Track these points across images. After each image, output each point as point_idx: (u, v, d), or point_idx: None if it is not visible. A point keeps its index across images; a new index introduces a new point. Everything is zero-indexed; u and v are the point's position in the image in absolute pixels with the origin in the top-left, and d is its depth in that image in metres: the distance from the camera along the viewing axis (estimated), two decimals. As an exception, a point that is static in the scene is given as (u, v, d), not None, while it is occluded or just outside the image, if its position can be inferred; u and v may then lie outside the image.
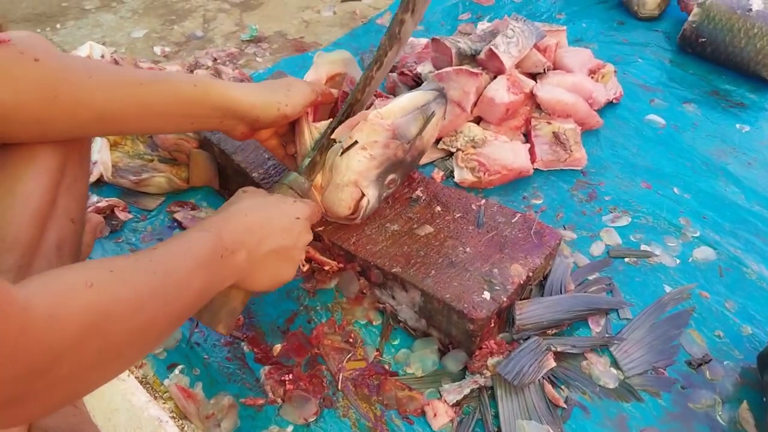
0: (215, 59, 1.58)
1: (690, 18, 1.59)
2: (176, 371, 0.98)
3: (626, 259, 1.14)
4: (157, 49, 1.67)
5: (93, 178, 1.24)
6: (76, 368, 0.49)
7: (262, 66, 1.60)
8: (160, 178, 1.21)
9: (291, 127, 0.98)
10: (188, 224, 1.17)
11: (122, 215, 1.19)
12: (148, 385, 0.97)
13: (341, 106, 0.98)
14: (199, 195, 1.25)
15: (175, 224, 1.19)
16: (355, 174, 0.95)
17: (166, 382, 0.97)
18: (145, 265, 0.58)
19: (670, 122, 1.44)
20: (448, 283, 0.95)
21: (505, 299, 0.93)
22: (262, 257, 0.76)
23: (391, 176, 1.01)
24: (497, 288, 0.94)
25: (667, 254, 1.14)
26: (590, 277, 1.10)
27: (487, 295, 0.93)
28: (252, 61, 1.61)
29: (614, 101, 1.47)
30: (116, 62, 1.41)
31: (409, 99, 0.99)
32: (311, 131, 0.95)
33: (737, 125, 1.43)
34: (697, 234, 1.18)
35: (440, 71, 1.33)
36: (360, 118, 0.94)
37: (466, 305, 0.91)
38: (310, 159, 0.93)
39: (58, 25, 1.82)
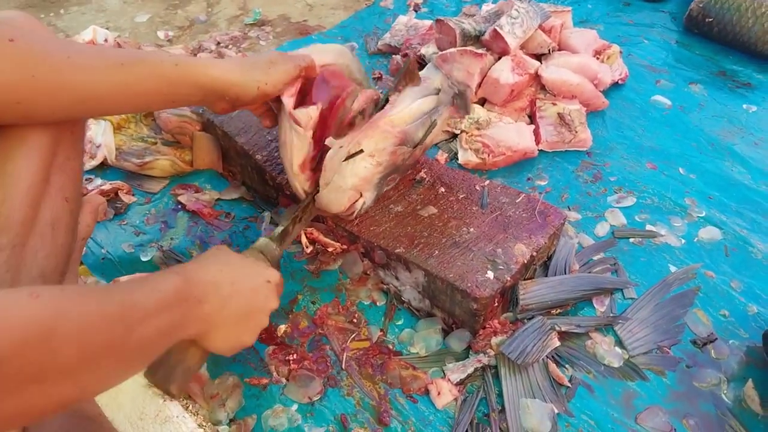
0: (218, 43, 1.58)
1: (697, -2, 1.57)
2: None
3: (631, 240, 1.13)
4: (161, 34, 1.66)
5: (97, 162, 1.25)
6: (17, 380, 0.48)
7: (265, 49, 1.59)
8: (163, 161, 1.21)
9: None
10: (193, 207, 1.17)
11: (126, 198, 1.20)
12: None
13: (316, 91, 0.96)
14: (203, 178, 1.25)
15: (180, 206, 1.19)
16: (359, 180, 0.94)
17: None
18: (101, 291, 0.57)
19: (676, 103, 1.43)
20: (452, 263, 0.95)
21: (508, 279, 0.93)
22: (227, 315, 0.73)
23: (391, 176, 1.01)
24: (501, 267, 0.94)
25: (672, 234, 1.14)
26: (595, 258, 1.10)
27: (490, 274, 0.93)
28: (255, 45, 1.61)
29: (620, 82, 1.46)
30: (119, 45, 1.41)
31: (419, 105, 0.97)
32: (291, 118, 0.93)
33: (744, 105, 1.42)
34: (703, 214, 1.17)
35: (444, 52, 1.32)
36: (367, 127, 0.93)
37: (469, 284, 0.91)
38: (282, 228, 0.90)
39: (62, 11, 1.81)
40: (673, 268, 1.08)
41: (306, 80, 0.98)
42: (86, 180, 1.24)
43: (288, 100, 0.91)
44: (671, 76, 1.51)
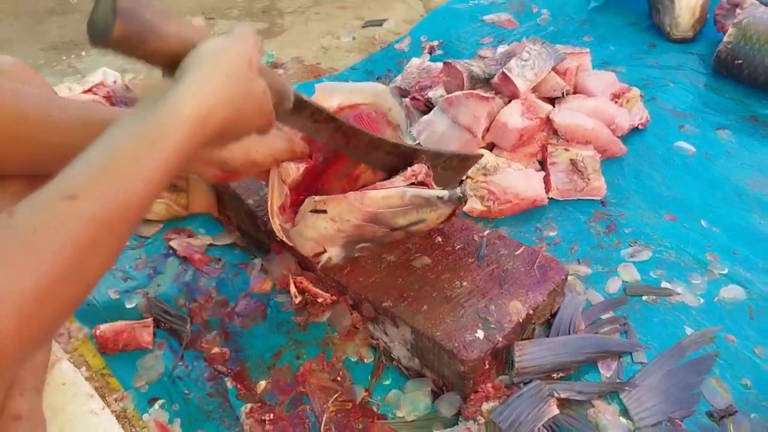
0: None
1: (725, 39, 1.50)
2: (156, 406, 0.93)
3: (644, 297, 1.04)
4: (174, 75, 1.67)
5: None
6: None
7: (275, 92, 1.58)
8: (158, 205, 1.19)
9: None
10: (183, 252, 1.14)
11: (119, 242, 1.17)
12: (126, 420, 0.92)
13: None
14: (198, 222, 1.22)
15: (171, 252, 1.15)
16: (318, 235, 0.88)
17: (145, 416, 0.92)
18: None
19: (701, 150, 1.34)
20: (441, 319, 0.88)
21: (500, 339, 0.86)
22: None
23: (363, 245, 0.94)
24: (492, 326, 0.87)
25: (690, 293, 1.05)
26: (603, 316, 1.02)
27: (480, 333, 0.86)
28: (266, 87, 1.59)
29: (640, 127, 1.39)
30: (128, 88, 1.41)
31: (402, 197, 0.85)
32: (280, 184, 0.90)
33: (776, 153, 1.33)
34: (725, 271, 1.08)
35: (450, 96, 1.27)
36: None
37: (456, 344, 0.84)
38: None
39: (83, 53, 1.84)
40: (689, 331, 0.99)
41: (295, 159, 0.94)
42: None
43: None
44: (697, 121, 1.43)
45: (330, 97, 0.93)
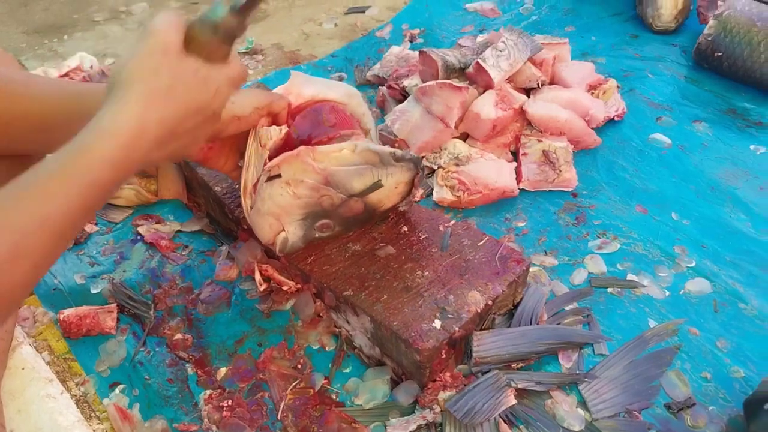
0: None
1: (705, 31, 1.48)
2: (117, 390, 0.93)
3: (609, 289, 1.04)
4: (153, 60, 1.66)
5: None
6: None
7: (252, 77, 1.57)
8: (128, 191, 1.18)
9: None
10: (150, 239, 1.14)
11: (88, 227, 1.17)
12: (86, 404, 0.92)
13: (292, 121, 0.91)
14: (167, 208, 1.21)
15: (138, 238, 1.15)
16: (275, 206, 0.87)
17: (106, 401, 0.93)
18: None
19: (677, 142, 1.33)
20: (399, 309, 0.88)
21: (456, 329, 0.86)
22: (165, 151, 0.65)
23: (323, 221, 0.93)
24: (450, 316, 0.87)
25: (656, 285, 1.04)
26: (567, 308, 1.02)
27: (437, 323, 0.86)
28: (243, 73, 1.58)
29: (616, 119, 1.38)
30: (104, 73, 1.41)
31: (353, 149, 0.86)
32: (255, 136, 0.88)
33: (752, 146, 1.32)
34: (693, 264, 1.08)
35: (423, 85, 1.26)
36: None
37: (413, 334, 0.84)
38: None
39: (65, 36, 1.83)
40: (653, 323, 0.99)
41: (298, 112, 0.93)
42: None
43: (262, 120, 0.87)
44: (674, 113, 1.42)
45: (304, 85, 0.93)
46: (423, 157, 1.25)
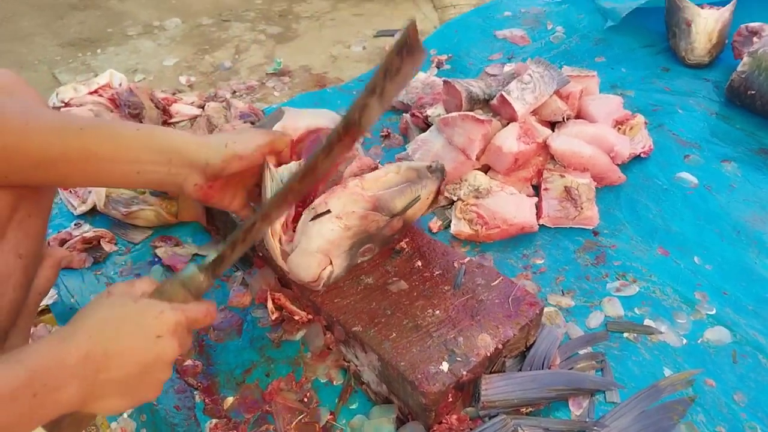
0: (234, 92, 1.58)
1: (739, 68, 1.45)
2: (124, 414, 0.94)
3: (625, 334, 1.02)
4: (182, 79, 1.68)
5: (87, 207, 1.25)
6: None
7: (278, 100, 1.58)
8: (148, 212, 1.20)
9: (257, 189, 0.93)
10: (168, 261, 1.15)
11: (108, 247, 1.18)
12: (94, 427, 0.94)
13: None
14: (186, 231, 1.23)
15: (157, 260, 1.16)
16: (326, 242, 0.89)
17: (113, 424, 0.93)
18: None
19: (704, 182, 1.31)
20: (407, 349, 0.87)
21: (464, 373, 0.84)
22: (107, 384, 0.64)
23: (366, 246, 0.95)
24: (458, 359, 0.86)
25: (673, 332, 1.02)
26: (581, 352, 1.00)
27: (445, 366, 0.85)
28: (269, 95, 1.60)
29: (642, 155, 1.35)
30: (132, 91, 1.43)
31: (398, 171, 0.93)
32: (273, 177, 0.90)
33: (782, 189, 1.29)
34: (713, 312, 1.05)
35: (446, 116, 1.26)
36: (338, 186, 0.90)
37: (419, 376, 0.83)
38: (217, 254, 0.73)
39: (99, 50, 1.87)
40: (668, 372, 0.96)
41: (298, 145, 0.96)
42: (75, 225, 1.24)
43: (270, 158, 0.89)
44: (703, 151, 1.39)
45: (298, 119, 0.98)
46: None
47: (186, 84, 1.67)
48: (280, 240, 0.91)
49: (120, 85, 1.47)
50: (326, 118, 1.02)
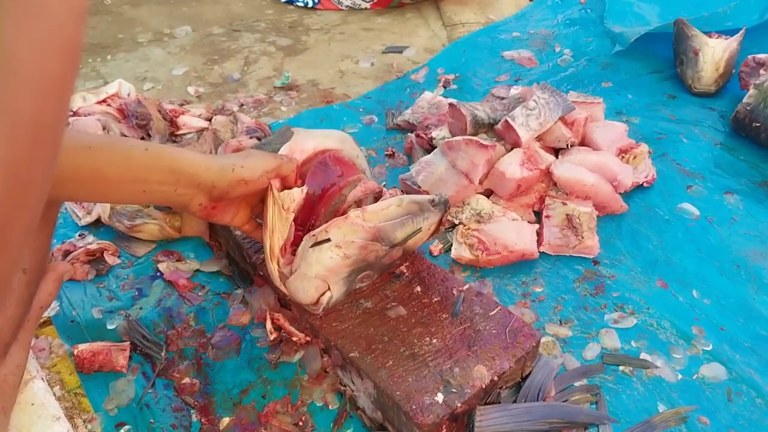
0: (242, 105, 1.59)
1: (745, 99, 1.45)
2: (122, 431, 0.95)
3: (621, 368, 1.02)
4: (191, 89, 1.69)
5: (92, 218, 1.26)
6: None
7: (285, 115, 1.59)
8: (152, 226, 1.21)
9: (261, 205, 0.94)
10: (170, 277, 1.16)
11: (111, 259, 1.19)
12: (91, 436, 0.94)
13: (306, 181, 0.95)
14: (189, 246, 1.23)
15: (158, 274, 1.17)
16: (324, 269, 0.90)
17: (110, 439, 0.94)
18: None
19: (705, 214, 1.31)
20: (403, 377, 0.88)
21: (459, 405, 0.85)
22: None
23: (365, 273, 0.96)
24: (453, 391, 0.86)
25: (669, 367, 1.02)
26: (576, 384, 1.00)
27: (440, 397, 0.85)
28: (276, 110, 1.61)
29: (645, 185, 1.36)
30: (140, 102, 1.44)
31: (399, 204, 0.92)
32: (276, 200, 0.90)
33: (784, 224, 1.29)
34: (710, 348, 1.05)
35: (450, 140, 1.26)
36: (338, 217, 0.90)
37: (414, 407, 0.84)
38: None
39: (109, 56, 1.88)
40: (662, 407, 0.97)
41: (304, 167, 0.98)
42: (79, 236, 1.25)
43: (275, 182, 0.90)
44: (706, 182, 1.39)
45: (306, 141, 1.00)
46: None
47: (194, 95, 1.68)
48: (278, 263, 0.92)
49: (129, 95, 1.48)
50: (334, 140, 1.03)
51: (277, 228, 0.90)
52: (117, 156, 0.78)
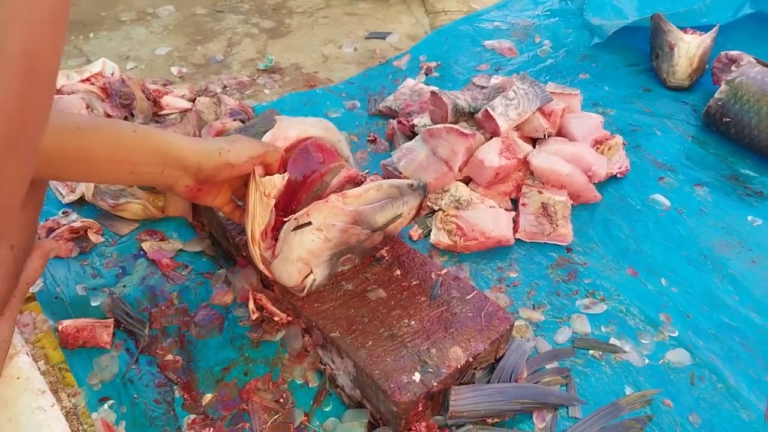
0: (225, 86, 1.60)
1: (716, 95, 1.50)
2: (105, 405, 0.97)
3: (591, 352, 1.07)
4: (174, 70, 1.69)
5: (75, 196, 1.27)
6: None
7: (268, 98, 1.60)
8: (135, 205, 1.22)
9: (244, 189, 0.96)
10: (153, 256, 1.17)
11: (94, 237, 1.20)
12: (75, 417, 0.96)
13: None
14: (172, 226, 1.25)
15: (142, 253, 1.19)
16: (306, 252, 0.92)
17: (94, 415, 0.96)
18: None
19: (676, 205, 1.36)
20: (382, 357, 0.91)
21: (435, 384, 0.88)
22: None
23: (346, 256, 0.99)
24: (430, 371, 0.90)
25: (636, 352, 1.07)
26: (547, 366, 1.04)
27: (417, 376, 0.89)
28: (260, 93, 1.62)
29: (618, 175, 1.40)
30: (123, 81, 1.44)
31: (379, 188, 0.95)
32: (258, 186, 0.92)
33: (749, 217, 1.34)
34: (675, 334, 1.10)
35: (431, 127, 1.29)
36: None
37: (392, 385, 0.87)
38: None
39: (91, 35, 1.87)
40: (629, 390, 1.01)
41: (287, 154, 1.00)
42: (63, 213, 1.26)
43: (258, 168, 0.92)
44: (677, 174, 1.44)
45: (290, 128, 1.02)
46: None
47: (177, 75, 1.68)
48: (259, 247, 0.94)
49: (112, 74, 1.48)
50: (317, 128, 1.05)
51: (259, 213, 0.93)
52: (105, 137, 0.79)
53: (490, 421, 0.95)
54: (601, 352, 1.07)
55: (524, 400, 0.97)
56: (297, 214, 0.91)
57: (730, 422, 0.97)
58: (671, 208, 1.35)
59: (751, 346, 1.08)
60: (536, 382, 1.01)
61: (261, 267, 0.96)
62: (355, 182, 1.03)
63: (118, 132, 0.80)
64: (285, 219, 0.94)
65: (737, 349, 1.08)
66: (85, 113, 1.34)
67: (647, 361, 1.06)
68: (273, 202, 0.92)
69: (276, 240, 0.95)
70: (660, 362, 1.06)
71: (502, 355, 1.01)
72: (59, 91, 1.39)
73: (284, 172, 0.95)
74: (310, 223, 0.91)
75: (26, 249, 0.92)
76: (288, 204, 1.00)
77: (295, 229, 0.91)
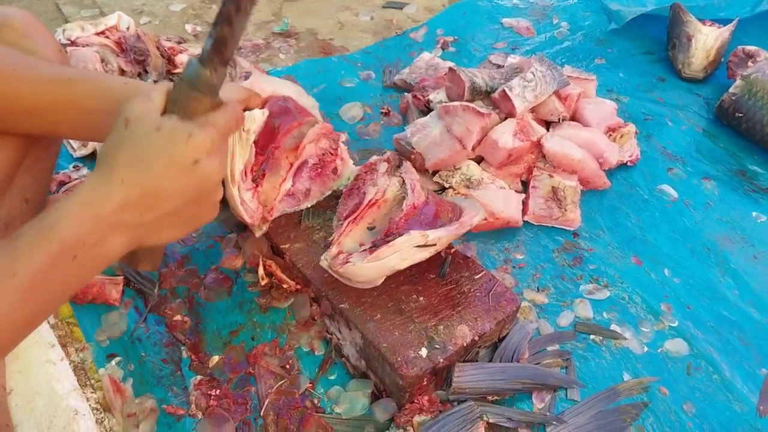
0: (239, 48, 1.58)
1: (731, 89, 1.50)
2: (113, 362, 0.98)
3: (592, 336, 1.09)
4: (188, 27, 1.67)
5: (87, 151, 1.27)
6: None
7: (282, 63, 1.59)
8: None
9: None
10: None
11: (105, 193, 1.20)
12: (83, 371, 0.97)
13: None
14: (183, 186, 1.25)
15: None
16: (408, 264, 0.94)
17: (101, 371, 0.97)
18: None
19: (683, 197, 1.37)
20: (390, 331, 0.93)
21: (441, 360, 0.90)
22: (156, 221, 0.63)
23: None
24: (437, 347, 0.91)
25: (636, 339, 1.09)
26: (549, 348, 1.06)
27: (424, 352, 0.90)
28: (274, 56, 1.60)
29: (629, 164, 1.41)
30: (139, 36, 1.43)
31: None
32: (243, 141, 0.91)
33: (754, 213, 1.35)
34: (675, 324, 1.12)
35: (447, 104, 1.29)
36: None
37: (399, 359, 0.89)
38: (213, 36, 0.62)
39: (103, -13, 1.84)
40: (627, 377, 1.04)
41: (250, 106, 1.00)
42: (74, 168, 1.26)
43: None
44: (686, 166, 1.45)
45: (265, 83, 1.05)
46: (437, 173, 1.29)
47: (191, 33, 1.66)
48: (239, 187, 0.94)
49: (128, 29, 1.47)
50: (292, 90, 1.07)
51: (238, 152, 0.91)
52: (96, 88, 0.79)
53: (490, 398, 0.97)
54: (601, 338, 1.09)
55: (525, 381, 0.99)
56: (431, 235, 0.92)
57: (722, 413, 1.00)
58: (678, 200, 1.36)
59: (748, 339, 1.11)
60: (537, 364, 1.03)
61: (240, 209, 0.94)
62: (330, 137, 1.05)
63: (109, 83, 0.80)
64: (264, 159, 0.96)
65: (734, 342, 1.10)
66: (99, 67, 1.33)
67: (646, 348, 1.08)
68: (253, 137, 0.91)
69: (256, 183, 0.97)
70: (658, 351, 1.08)
71: (506, 335, 1.03)
72: (74, 43, 1.37)
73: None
74: (434, 245, 0.93)
75: (40, 202, 0.92)
76: (266, 144, 0.99)
77: (418, 246, 0.92)
